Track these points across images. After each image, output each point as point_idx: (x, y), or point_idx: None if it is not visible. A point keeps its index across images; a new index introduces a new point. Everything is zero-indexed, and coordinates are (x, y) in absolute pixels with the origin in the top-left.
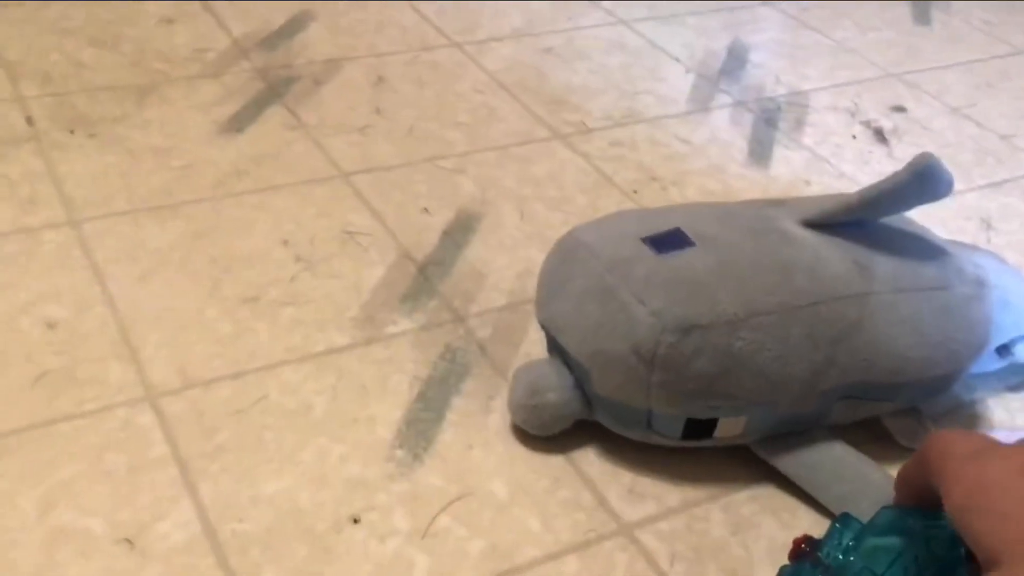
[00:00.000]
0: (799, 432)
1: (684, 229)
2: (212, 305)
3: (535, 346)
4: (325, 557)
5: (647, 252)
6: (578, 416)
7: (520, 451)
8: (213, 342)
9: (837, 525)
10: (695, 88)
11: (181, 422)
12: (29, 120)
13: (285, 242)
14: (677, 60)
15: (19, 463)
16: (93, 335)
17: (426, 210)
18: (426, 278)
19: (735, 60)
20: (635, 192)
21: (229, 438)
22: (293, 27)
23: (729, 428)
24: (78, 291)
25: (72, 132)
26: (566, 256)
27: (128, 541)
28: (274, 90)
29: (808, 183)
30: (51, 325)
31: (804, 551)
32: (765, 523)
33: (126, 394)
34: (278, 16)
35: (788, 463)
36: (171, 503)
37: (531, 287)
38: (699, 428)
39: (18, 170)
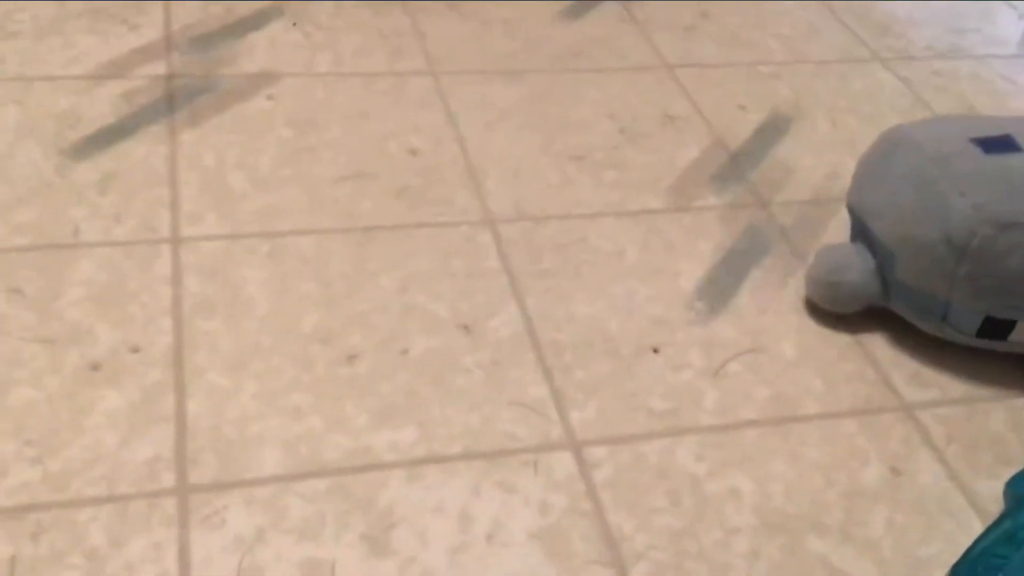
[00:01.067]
0: None
1: (1015, 136)
2: (546, 157)
3: (836, 239)
4: (627, 374)
5: (974, 150)
6: (874, 301)
7: (810, 323)
8: (544, 186)
9: None
10: None
11: (514, 245)
12: None
13: (611, 116)
14: (1012, 6)
15: (384, 252)
16: (446, 165)
17: (742, 107)
18: (736, 165)
19: None
20: None
21: (552, 265)
22: None
23: None
24: (435, 129)
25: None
26: (889, 147)
27: (465, 327)
28: None
29: None
30: (413, 152)
31: None
32: None
33: (470, 215)
34: None
35: None
36: (501, 305)
37: (837, 187)
38: (995, 328)
39: (390, 26)
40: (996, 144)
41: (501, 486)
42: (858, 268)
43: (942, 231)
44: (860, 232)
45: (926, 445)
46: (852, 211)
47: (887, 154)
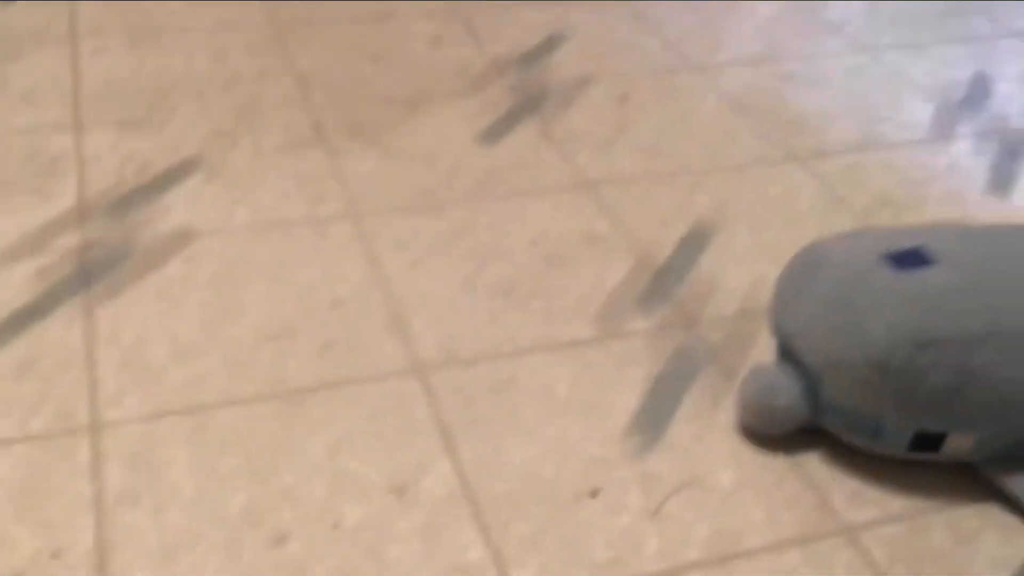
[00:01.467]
0: None
1: (926, 248)
2: (471, 292)
3: (764, 353)
4: (566, 523)
5: (887, 268)
6: (805, 421)
7: (746, 448)
8: (472, 324)
9: None
10: (936, 117)
11: (443, 393)
12: (317, 126)
13: (534, 242)
14: (918, 89)
15: (310, 416)
16: (370, 313)
17: (664, 222)
18: (661, 282)
19: (979, 91)
20: (868, 216)
21: (484, 411)
22: (546, 48)
23: (958, 444)
24: (358, 274)
25: (353, 138)
26: (805, 266)
27: (398, 490)
28: (527, 105)
29: None
30: (336, 303)
31: None
32: (989, 538)
33: (396, 365)
34: (532, 38)
35: (1018, 484)
36: (433, 461)
37: (763, 298)
38: (927, 441)
39: (309, 170)
40: (907, 259)
41: None
42: (786, 391)
43: (863, 353)
44: (786, 352)
45: (870, 570)
46: (776, 332)
47: (804, 274)
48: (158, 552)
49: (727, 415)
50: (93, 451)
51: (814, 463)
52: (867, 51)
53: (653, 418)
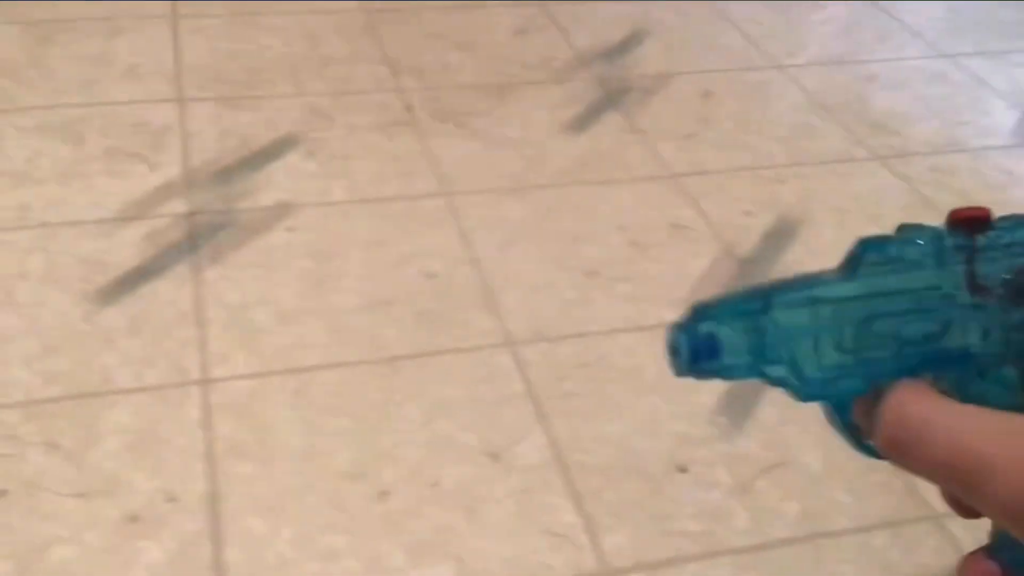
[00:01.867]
0: None
1: None
2: (560, 273)
3: None
4: (657, 495)
5: None
6: None
7: (833, 434)
8: (561, 304)
9: None
10: (1019, 123)
11: (535, 367)
12: (409, 108)
13: (621, 228)
14: (1000, 95)
15: (409, 381)
16: (463, 287)
17: (748, 213)
18: (746, 273)
19: None
20: None
21: (575, 385)
22: (630, 43)
23: None
24: (450, 251)
25: (442, 121)
26: None
27: (494, 455)
28: (611, 97)
29: None
30: (430, 276)
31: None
32: None
33: (490, 339)
34: (616, 32)
35: None
36: (527, 430)
37: None
38: None
39: (401, 149)
40: None
41: None
42: None
43: None
44: None
45: (958, 555)
46: None
47: None
48: (267, 501)
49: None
50: (203, 405)
51: None
52: (947, 56)
53: (740, 401)
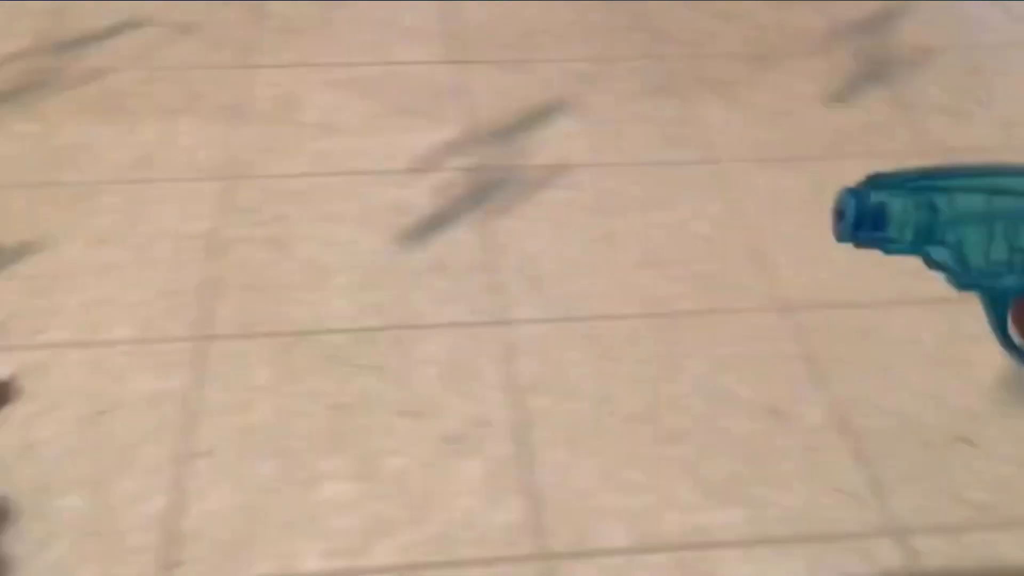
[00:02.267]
0: None
1: None
2: (832, 243)
3: None
4: (942, 464)
5: None
6: None
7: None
8: (835, 273)
9: None
10: None
11: (811, 332)
12: (670, 75)
13: None
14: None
15: (688, 337)
16: (736, 251)
17: None
18: None
19: None
20: None
21: (849, 352)
22: (888, 16)
23: None
24: (721, 216)
25: (705, 89)
26: None
27: (775, 411)
28: (874, 70)
29: None
30: (704, 239)
31: None
32: None
33: (765, 302)
34: (873, 5)
35: None
36: (806, 391)
37: None
38: None
39: (666, 115)
40: None
41: (834, 570)
42: None
43: None
44: None
45: None
46: None
47: None
48: (568, 433)
49: None
50: (503, 343)
51: None
52: None
53: (1022, 377)
